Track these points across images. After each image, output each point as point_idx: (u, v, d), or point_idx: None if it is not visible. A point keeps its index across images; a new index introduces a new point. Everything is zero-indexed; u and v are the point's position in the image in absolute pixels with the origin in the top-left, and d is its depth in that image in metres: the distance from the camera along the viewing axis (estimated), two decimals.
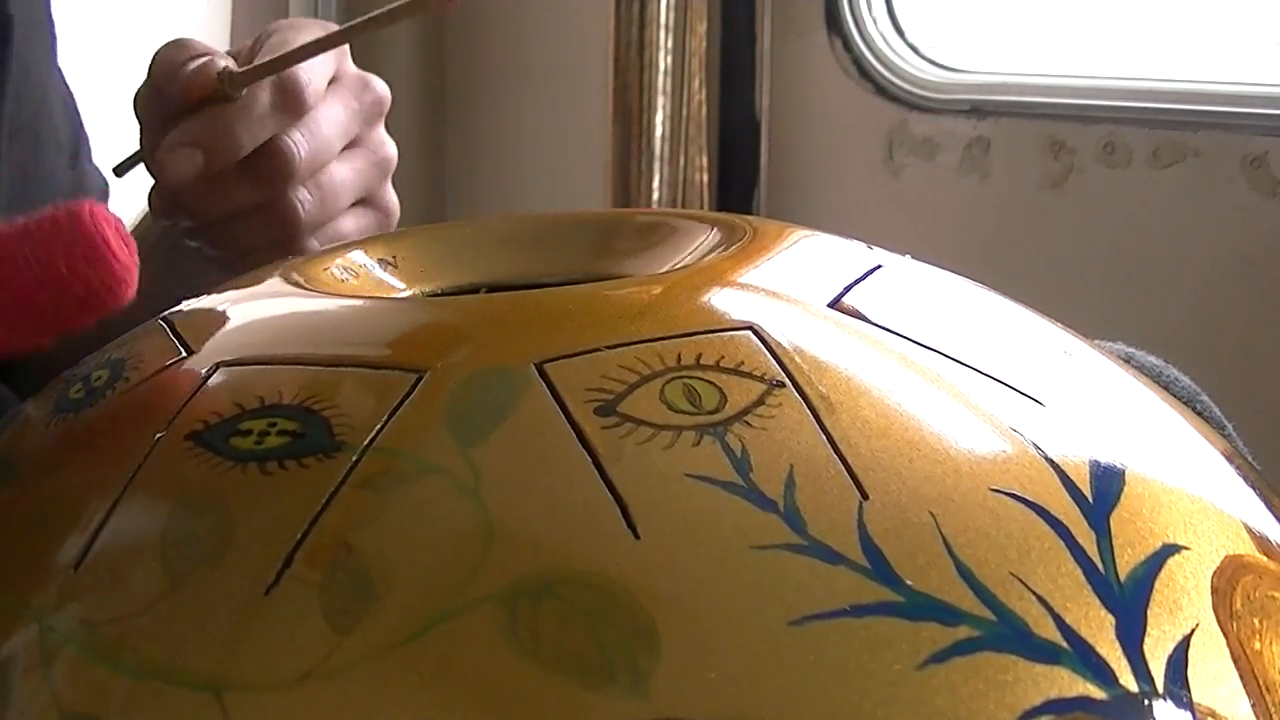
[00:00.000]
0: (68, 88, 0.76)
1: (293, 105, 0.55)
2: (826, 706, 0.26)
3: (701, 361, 0.31)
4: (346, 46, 0.59)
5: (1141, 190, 1.66)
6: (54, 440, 0.35)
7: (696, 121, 1.92)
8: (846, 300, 0.35)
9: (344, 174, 0.58)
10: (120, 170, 0.60)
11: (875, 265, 0.38)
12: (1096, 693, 0.27)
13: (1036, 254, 1.75)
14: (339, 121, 0.57)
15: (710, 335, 0.32)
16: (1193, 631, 0.28)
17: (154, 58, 0.57)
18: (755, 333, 0.33)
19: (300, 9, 2.14)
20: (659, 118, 1.92)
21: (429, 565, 0.28)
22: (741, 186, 1.96)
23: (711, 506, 0.28)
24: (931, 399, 0.32)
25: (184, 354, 0.36)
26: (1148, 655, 0.28)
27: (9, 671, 0.29)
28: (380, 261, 0.44)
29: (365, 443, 0.30)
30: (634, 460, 0.29)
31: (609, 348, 0.32)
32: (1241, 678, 0.28)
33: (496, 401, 0.31)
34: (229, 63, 0.55)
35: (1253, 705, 0.28)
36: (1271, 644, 0.30)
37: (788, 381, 0.31)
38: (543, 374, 0.31)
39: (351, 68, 0.59)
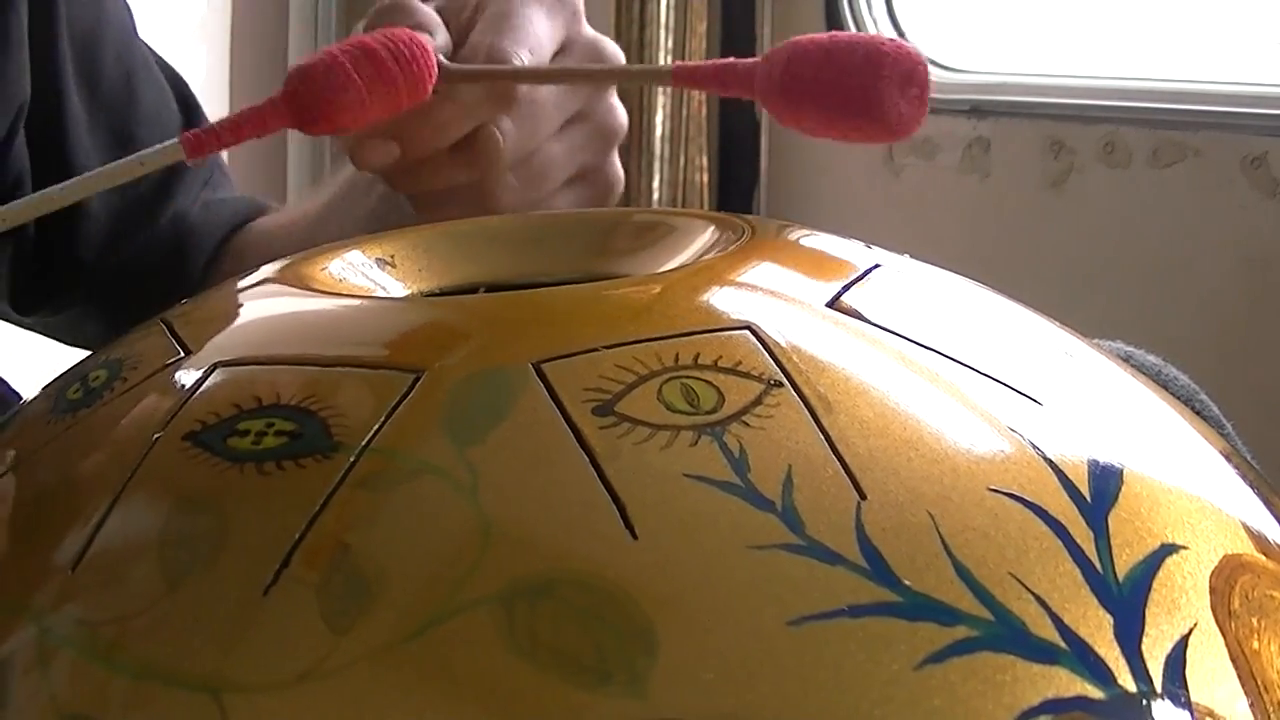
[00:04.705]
0: (154, 51, 0.76)
1: (503, 103, 0.53)
2: (824, 707, 0.26)
3: (699, 361, 0.31)
4: (582, 10, 0.56)
5: (1141, 190, 1.66)
6: (51, 440, 0.35)
7: (696, 121, 1.92)
8: (845, 300, 0.35)
9: (556, 153, 0.56)
10: None
11: (874, 264, 0.38)
12: (1094, 692, 0.27)
13: (1036, 254, 1.75)
14: (560, 99, 0.55)
15: (708, 335, 0.32)
16: (1191, 631, 0.28)
17: (371, 16, 0.55)
18: (753, 332, 0.33)
19: (301, 11, 2.14)
20: (659, 118, 1.92)
21: (426, 565, 0.28)
22: (741, 186, 1.97)
23: (709, 506, 0.28)
24: (930, 398, 0.32)
25: (182, 354, 0.36)
26: (1146, 655, 0.28)
27: (6, 672, 0.29)
28: (378, 261, 0.44)
29: (363, 443, 0.30)
30: (631, 460, 0.29)
31: (606, 347, 0.32)
32: (1239, 677, 0.28)
33: (494, 401, 0.31)
34: (442, 45, 0.52)
35: (1251, 705, 0.28)
36: (1270, 643, 0.30)
37: (785, 381, 0.31)
38: (540, 374, 0.31)
39: (586, 32, 0.57)
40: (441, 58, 0.52)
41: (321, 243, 0.44)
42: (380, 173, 0.55)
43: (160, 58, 0.76)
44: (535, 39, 0.54)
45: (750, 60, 0.42)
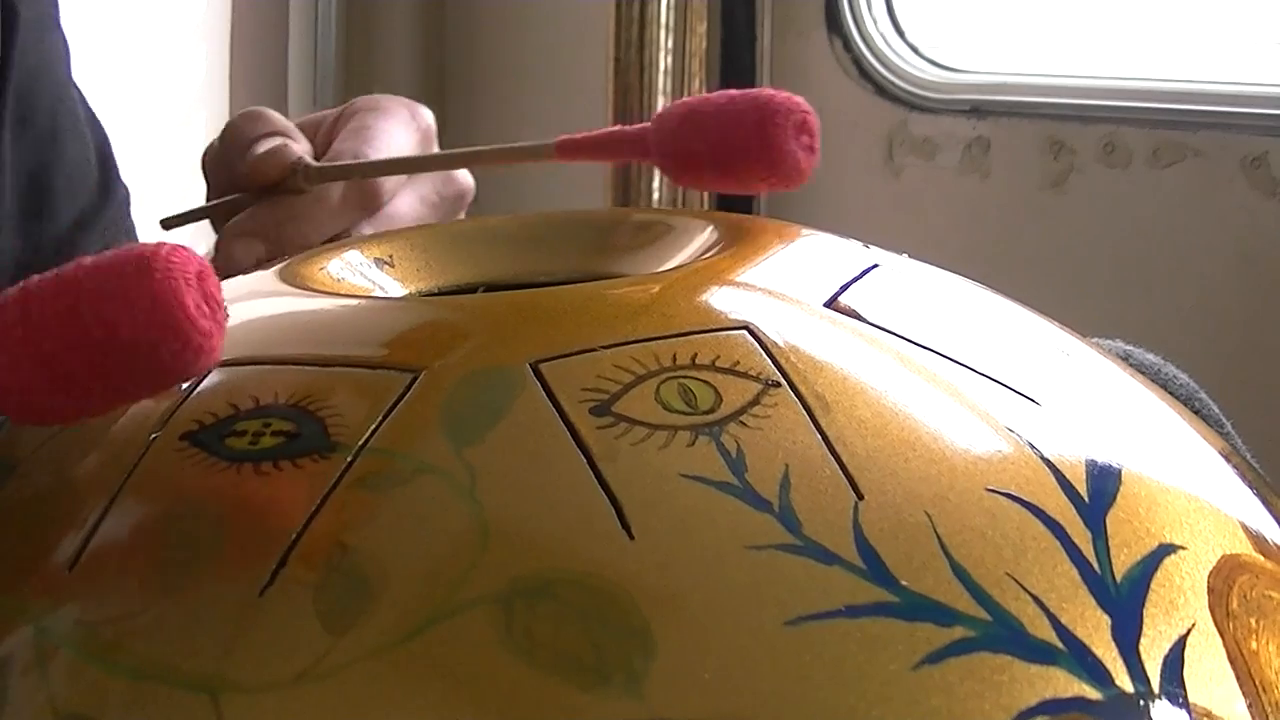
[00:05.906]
0: (83, 96, 0.76)
1: (367, 204, 0.53)
2: (821, 707, 0.26)
3: (697, 361, 0.31)
4: (434, 132, 0.57)
5: (1141, 190, 1.66)
6: (48, 440, 0.35)
7: None
8: (843, 299, 0.35)
9: None
10: (169, 224, 0.59)
11: (872, 264, 0.38)
12: (1092, 693, 0.27)
13: (1036, 254, 1.75)
14: (414, 216, 0.56)
15: (706, 335, 0.32)
16: (1189, 631, 0.28)
17: (228, 125, 0.56)
18: (751, 332, 0.33)
19: (301, 11, 2.13)
20: None
21: (424, 566, 0.28)
22: None
23: (706, 507, 0.28)
24: (927, 398, 0.32)
25: None
26: (1144, 655, 0.28)
27: (4, 673, 0.29)
28: (376, 260, 0.44)
29: (360, 443, 0.30)
30: (629, 460, 0.29)
31: (604, 347, 0.32)
32: (1238, 678, 0.28)
33: (492, 401, 0.31)
34: (304, 151, 0.53)
35: (1249, 705, 0.28)
36: (1268, 644, 0.30)
37: (783, 381, 0.31)
38: (538, 374, 0.31)
39: None
40: (307, 158, 0.53)
41: None
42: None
43: (89, 109, 0.75)
44: (394, 149, 0.55)
45: (639, 126, 0.42)
